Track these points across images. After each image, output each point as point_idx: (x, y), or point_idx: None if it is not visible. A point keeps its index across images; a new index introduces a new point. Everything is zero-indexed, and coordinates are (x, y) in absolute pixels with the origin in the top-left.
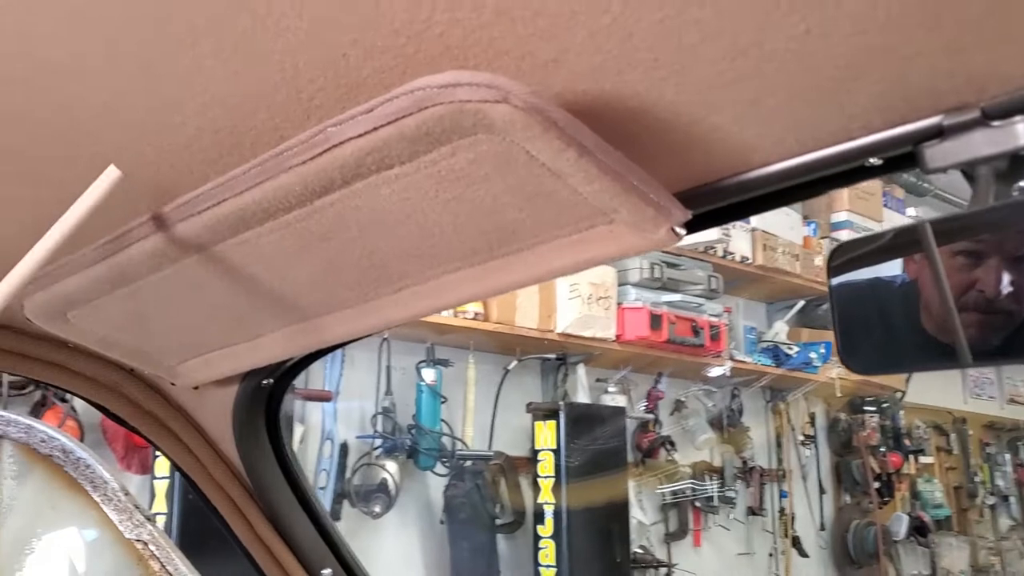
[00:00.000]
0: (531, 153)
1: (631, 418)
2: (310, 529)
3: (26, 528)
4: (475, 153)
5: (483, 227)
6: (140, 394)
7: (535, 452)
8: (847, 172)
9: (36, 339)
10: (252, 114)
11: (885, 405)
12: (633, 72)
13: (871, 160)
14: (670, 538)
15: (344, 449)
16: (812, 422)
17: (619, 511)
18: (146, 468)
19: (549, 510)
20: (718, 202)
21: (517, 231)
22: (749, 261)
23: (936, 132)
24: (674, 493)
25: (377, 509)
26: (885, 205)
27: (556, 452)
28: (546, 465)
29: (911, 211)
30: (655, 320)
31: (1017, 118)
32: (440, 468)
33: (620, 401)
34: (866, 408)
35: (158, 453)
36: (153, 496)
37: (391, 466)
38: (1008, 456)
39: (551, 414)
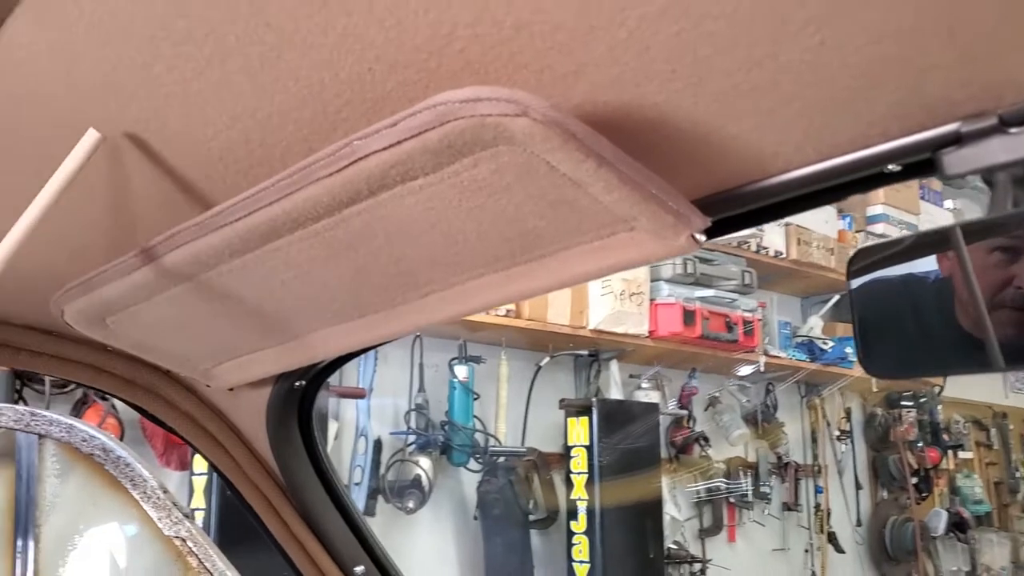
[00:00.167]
0: (551, 164)
1: (664, 414)
2: (343, 527)
3: (68, 525)
4: (497, 164)
5: (506, 234)
6: (176, 395)
7: (568, 448)
8: (866, 178)
9: (76, 343)
10: (281, 127)
11: (923, 400)
12: (651, 83)
13: (890, 167)
14: (704, 534)
15: (378, 445)
16: (848, 417)
17: (653, 507)
18: (185, 464)
19: (582, 506)
20: (737, 208)
21: (539, 238)
22: (783, 256)
23: (954, 139)
24: (708, 489)
25: (411, 505)
26: (922, 198)
27: (589, 448)
28: (579, 461)
29: (948, 203)
30: (688, 316)
31: None
32: (473, 464)
33: (653, 397)
34: (903, 403)
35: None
36: (192, 492)
37: (424, 462)
38: None
39: (584, 410)
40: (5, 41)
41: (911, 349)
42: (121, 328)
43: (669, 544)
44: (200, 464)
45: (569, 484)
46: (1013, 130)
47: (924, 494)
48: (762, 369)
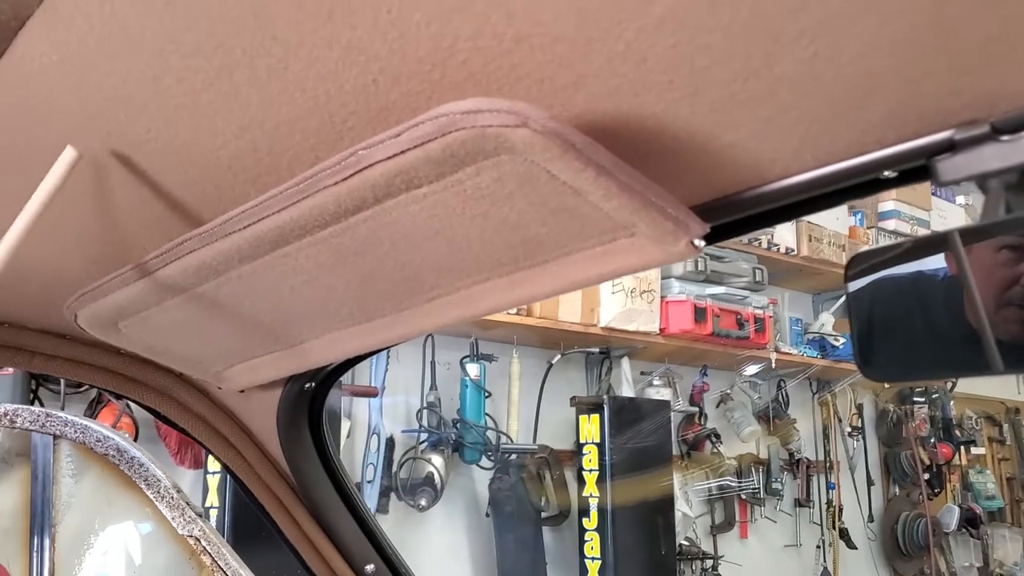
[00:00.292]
0: (552, 172)
1: (676, 411)
2: (353, 526)
3: (84, 524)
4: (499, 173)
5: (509, 241)
6: (189, 397)
7: (579, 446)
8: (862, 184)
9: (90, 347)
10: (288, 137)
11: (935, 396)
12: (649, 94)
13: (886, 173)
14: (716, 530)
15: (390, 443)
16: (860, 413)
17: (664, 504)
18: (199, 463)
19: (594, 503)
20: (736, 214)
21: (542, 244)
22: (794, 252)
23: (948, 146)
24: (720, 486)
25: (423, 502)
26: (934, 194)
27: (600, 446)
28: (590, 458)
29: (961, 199)
30: (699, 313)
31: None
32: (485, 462)
33: (665, 394)
34: (915, 399)
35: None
36: (206, 490)
37: (437, 460)
38: None
39: (595, 408)
40: (17, 54)
41: (909, 352)
42: (133, 332)
43: (681, 540)
44: (214, 463)
45: (581, 481)
46: (1005, 138)
47: (936, 490)
48: (773, 366)
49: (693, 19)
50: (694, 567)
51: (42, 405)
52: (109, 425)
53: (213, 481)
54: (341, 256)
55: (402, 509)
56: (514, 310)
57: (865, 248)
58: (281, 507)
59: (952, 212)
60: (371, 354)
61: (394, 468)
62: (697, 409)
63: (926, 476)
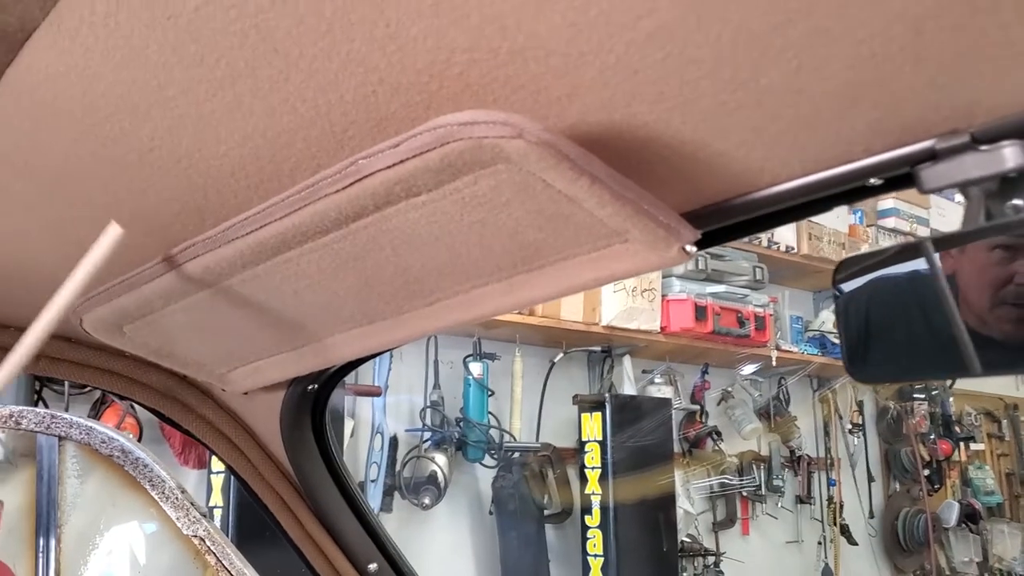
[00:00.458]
0: (547, 181)
1: (677, 409)
2: (356, 526)
3: (89, 525)
4: (496, 181)
5: (507, 246)
6: (193, 399)
7: (582, 443)
8: (849, 191)
9: (95, 350)
10: (290, 145)
11: (935, 393)
12: (640, 104)
13: (871, 180)
14: (718, 527)
15: (394, 442)
16: (860, 410)
17: (666, 501)
18: (203, 463)
19: (596, 501)
20: (727, 220)
21: (539, 250)
22: (794, 251)
23: (930, 155)
24: (721, 483)
25: (427, 501)
26: None
27: (602, 443)
28: (593, 456)
29: (959, 198)
30: (700, 311)
31: (1004, 143)
32: (488, 460)
33: (666, 392)
34: (915, 396)
35: None
36: (210, 490)
37: (440, 458)
38: None
39: (597, 406)
40: (24, 64)
41: (899, 353)
42: (138, 335)
43: (683, 537)
44: (218, 463)
45: (583, 479)
46: (984, 147)
47: (936, 486)
48: (774, 364)
49: (682, 34)
50: (696, 564)
51: (46, 406)
52: (113, 426)
53: (217, 481)
54: (343, 261)
55: (406, 508)
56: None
57: (852, 254)
58: (285, 507)
59: (951, 210)
60: (373, 356)
61: (398, 467)
62: (698, 407)
63: (926, 472)
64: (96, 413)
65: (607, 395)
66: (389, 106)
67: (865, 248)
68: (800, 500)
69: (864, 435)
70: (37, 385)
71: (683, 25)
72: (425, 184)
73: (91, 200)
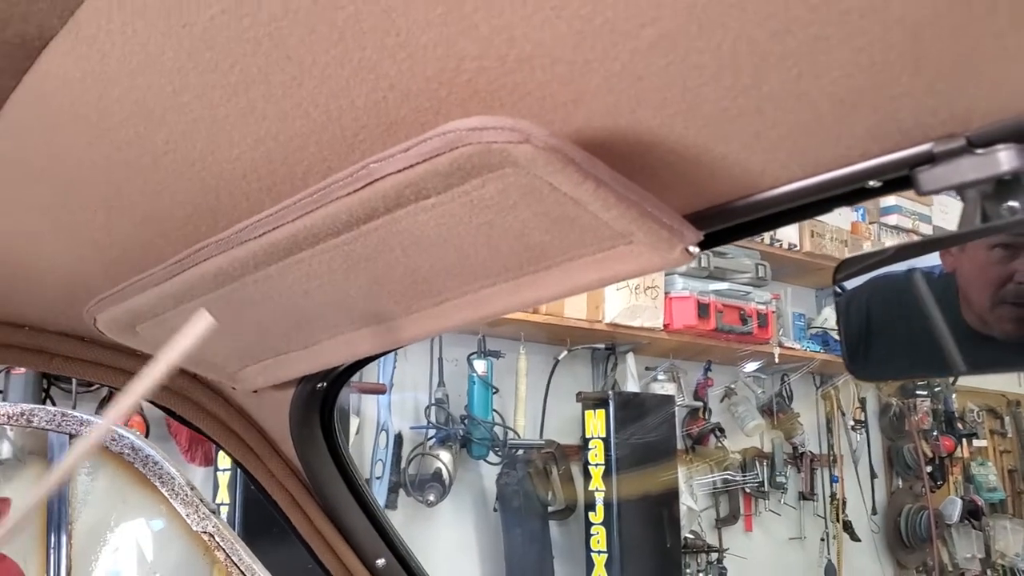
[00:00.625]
0: (553, 185)
1: (680, 406)
2: (364, 521)
3: (100, 521)
4: (503, 184)
5: (514, 248)
6: (203, 397)
7: (585, 440)
8: (848, 193)
9: (107, 349)
10: (302, 149)
11: (937, 389)
12: (644, 110)
13: (870, 183)
14: (721, 523)
15: (399, 440)
16: (863, 407)
17: (669, 498)
18: (209, 460)
19: (600, 497)
20: (729, 222)
21: (545, 251)
22: (797, 248)
23: (928, 158)
24: (724, 480)
25: (432, 498)
26: None
27: (606, 440)
28: (596, 453)
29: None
30: (702, 309)
31: (999, 146)
32: (492, 457)
33: (669, 389)
34: (918, 392)
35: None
36: (217, 487)
37: (445, 456)
38: None
39: (601, 403)
40: (42, 70)
41: (900, 351)
42: (151, 334)
43: (686, 534)
44: (224, 460)
45: (587, 476)
46: (980, 151)
47: (939, 482)
48: (776, 361)
49: (684, 42)
50: (699, 560)
51: (54, 404)
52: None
53: (223, 478)
54: (353, 262)
55: (411, 505)
56: None
57: (852, 254)
58: (294, 503)
59: (954, 206)
60: (381, 355)
61: (403, 464)
62: (701, 404)
63: (929, 469)
64: (102, 411)
65: (610, 392)
66: (399, 111)
67: (868, 245)
68: (803, 497)
69: (867, 431)
70: (44, 383)
71: (685, 34)
72: (435, 187)
73: (106, 202)
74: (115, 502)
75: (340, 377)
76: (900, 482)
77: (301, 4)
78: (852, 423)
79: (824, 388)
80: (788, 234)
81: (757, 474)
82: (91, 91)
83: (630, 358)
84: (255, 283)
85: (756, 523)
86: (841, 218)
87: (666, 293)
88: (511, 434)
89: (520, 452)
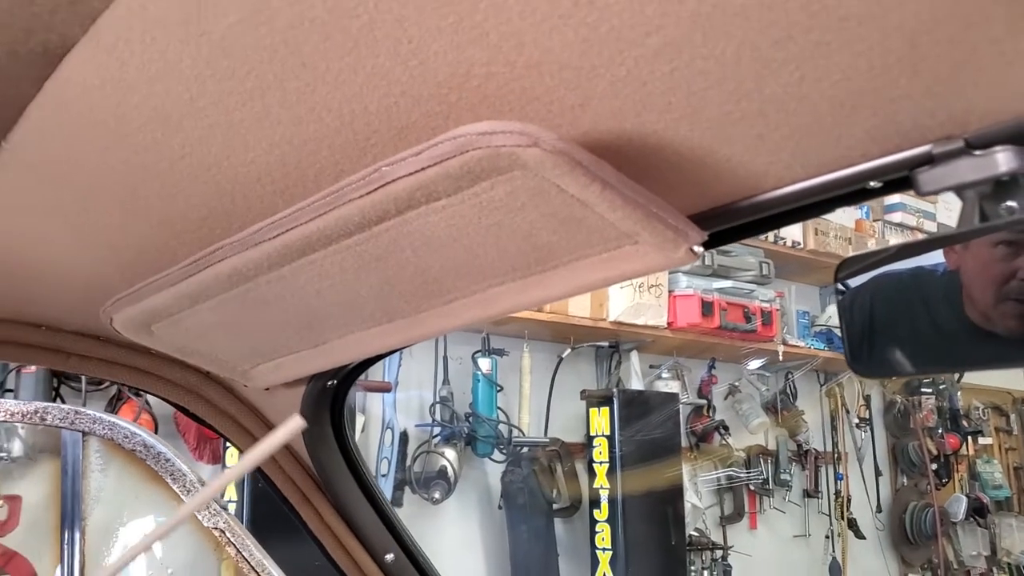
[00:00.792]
0: (561, 187)
1: (684, 404)
2: (373, 517)
3: (112, 517)
4: (512, 187)
5: (522, 248)
6: (216, 395)
7: (590, 438)
8: (850, 194)
9: (122, 348)
10: (315, 153)
11: (942, 387)
12: (649, 114)
13: (871, 183)
14: (726, 521)
15: (404, 437)
16: (867, 404)
17: (674, 495)
18: (217, 458)
19: (604, 495)
20: (732, 222)
21: (552, 251)
22: (801, 246)
23: (927, 160)
24: (729, 477)
25: (437, 495)
26: None
27: (610, 438)
28: (601, 451)
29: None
30: (706, 307)
31: (997, 148)
32: (497, 455)
33: (673, 387)
34: (923, 390)
35: (228, 444)
36: None
37: (450, 453)
38: None
39: (605, 401)
40: (63, 77)
41: (902, 348)
42: (165, 334)
43: (691, 531)
44: (232, 458)
45: (591, 473)
46: (978, 152)
47: (944, 480)
48: (780, 358)
49: (688, 48)
50: (704, 557)
51: (63, 402)
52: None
53: None
54: (364, 262)
55: (416, 502)
56: None
57: (852, 254)
58: (304, 499)
59: (957, 204)
60: (391, 352)
61: (408, 462)
62: (705, 401)
63: (934, 466)
64: (112, 409)
65: (615, 390)
66: (410, 116)
67: (872, 243)
68: (807, 494)
69: (871, 429)
70: (55, 382)
71: (689, 41)
72: (445, 189)
73: (123, 205)
74: (128, 498)
75: (350, 375)
76: (905, 480)
77: (316, 13)
78: (856, 420)
79: (828, 385)
80: (792, 232)
81: (761, 471)
82: (110, 98)
83: (634, 356)
84: (268, 283)
85: (760, 521)
86: (845, 216)
87: (670, 291)
88: (515, 432)
89: (525, 450)
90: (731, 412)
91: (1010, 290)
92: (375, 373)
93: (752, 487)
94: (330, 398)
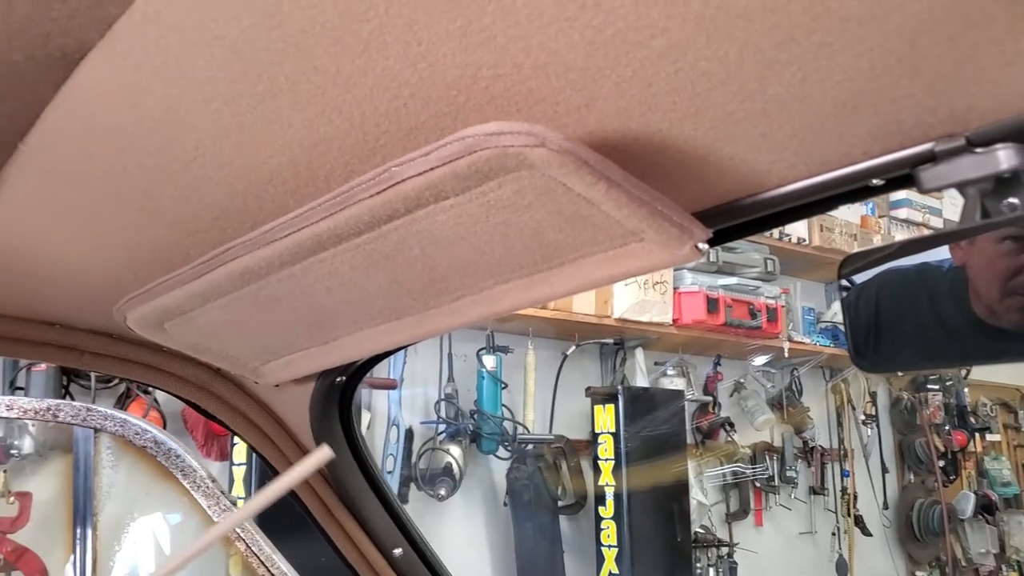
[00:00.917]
0: (567, 186)
1: (690, 400)
2: (382, 512)
3: (124, 513)
4: (519, 186)
5: (529, 246)
6: (227, 392)
7: (595, 435)
8: (852, 191)
9: (135, 345)
10: (325, 153)
11: (949, 383)
12: (654, 113)
13: (873, 181)
14: (731, 518)
15: (409, 435)
16: (873, 401)
17: (679, 492)
18: (225, 455)
19: (610, 492)
20: (737, 219)
21: (559, 248)
22: (806, 242)
23: (929, 157)
24: (734, 474)
25: (442, 492)
26: None
27: (615, 435)
28: (606, 448)
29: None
30: (712, 304)
31: (998, 145)
32: (502, 452)
33: (678, 384)
34: (929, 386)
35: (236, 441)
36: (232, 481)
37: (455, 450)
38: None
39: (610, 398)
40: (79, 81)
41: (905, 345)
42: (178, 331)
43: (696, 528)
44: (240, 455)
45: (596, 470)
46: (979, 150)
47: (951, 477)
48: (786, 355)
49: (693, 50)
50: (709, 554)
51: (73, 400)
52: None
53: (239, 472)
54: (374, 260)
55: (421, 499)
56: None
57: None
58: (313, 494)
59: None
60: (399, 349)
61: (413, 459)
62: (711, 398)
63: (941, 463)
64: (121, 407)
65: (620, 387)
66: (419, 117)
67: (877, 239)
68: (814, 491)
69: (878, 426)
70: (64, 380)
71: (694, 43)
72: (453, 189)
73: (136, 206)
74: (138, 494)
75: (359, 371)
76: (912, 476)
77: (328, 17)
78: (863, 417)
79: (834, 381)
80: (797, 229)
81: (767, 468)
82: (125, 100)
83: (639, 353)
84: (279, 281)
85: (766, 518)
86: (851, 212)
87: (675, 288)
88: (520, 429)
89: (530, 447)
90: (737, 409)
91: (1016, 285)
92: (380, 370)
93: (758, 484)
94: (339, 394)
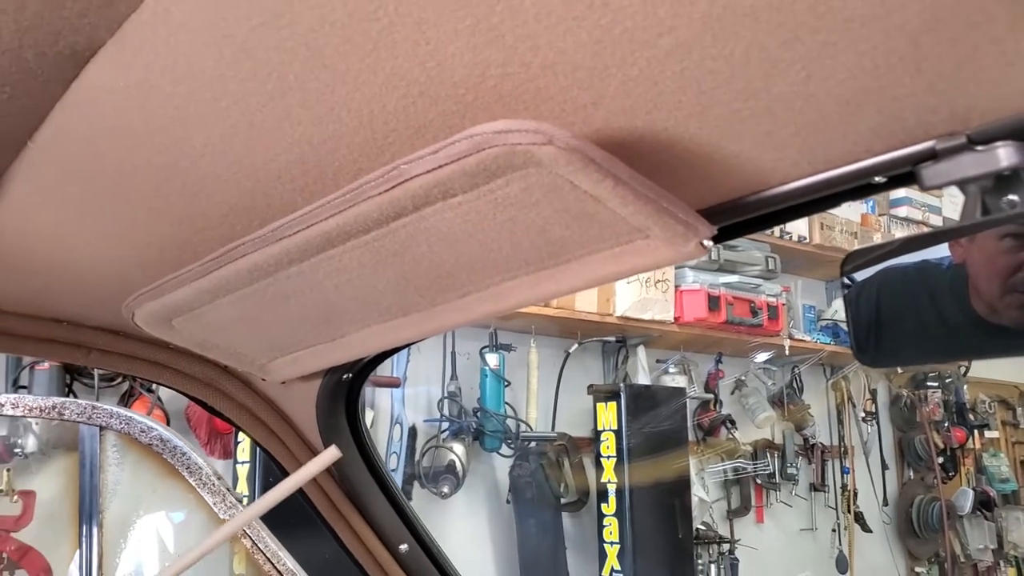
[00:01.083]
0: (574, 183)
1: (691, 398)
2: (388, 508)
3: (130, 510)
4: (526, 183)
5: (535, 242)
6: (234, 389)
7: (597, 433)
8: (855, 188)
9: (142, 343)
10: (334, 151)
11: (948, 380)
12: (660, 111)
13: (876, 178)
14: (732, 515)
15: (412, 432)
16: (873, 398)
17: (681, 489)
18: (228, 453)
19: (612, 489)
20: (741, 216)
21: (565, 245)
22: (807, 241)
23: (930, 155)
24: (736, 471)
25: (446, 490)
26: None
27: (617, 432)
28: (608, 445)
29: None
30: (713, 301)
31: (999, 143)
32: (505, 449)
33: (680, 382)
34: (929, 383)
35: (240, 439)
36: (235, 479)
37: (458, 448)
38: None
39: (612, 395)
40: (89, 80)
41: (907, 341)
42: (186, 329)
43: (698, 525)
44: (243, 453)
45: (599, 467)
46: (980, 148)
47: (950, 473)
48: (787, 352)
49: (698, 49)
50: (711, 551)
51: (76, 397)
52: None
53: (243, 471)
54: (382, 257)
55: (425, 496)
56: None
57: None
58: (319, 490)
59: (962, 199)
60: (406, 345)
61: (416, 456)
62: (712, 395)
63: (940, 460)
64: (125, 405)
65: (622, 385)
66: (427, 115)
67: (878, 237)
68: (814, 488)
69: (877, 423)
70: (68, 378)
71: (700, 42)
72: (461, 186)
73: (145, 204)
74: (144, 492)
75: (365, 368)
76: (911, 473)
77: (337, 16)
78: (863, 414)
79: (834, 379)
80: (798, 227)
81: (768, 465)
82: (134, 98)
83: (641, 351)
84: (287, 279)
85: (767, 514)
86: (851, 210)
87: (677, 286)
88: (523, 426)
89: (532, 444)
90: (738, 406)
91: (1016, 282)
92: (383, 368)
93: (759, 481)
94: (345, 391)
